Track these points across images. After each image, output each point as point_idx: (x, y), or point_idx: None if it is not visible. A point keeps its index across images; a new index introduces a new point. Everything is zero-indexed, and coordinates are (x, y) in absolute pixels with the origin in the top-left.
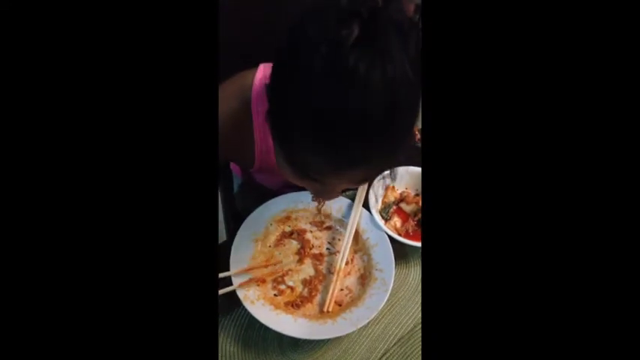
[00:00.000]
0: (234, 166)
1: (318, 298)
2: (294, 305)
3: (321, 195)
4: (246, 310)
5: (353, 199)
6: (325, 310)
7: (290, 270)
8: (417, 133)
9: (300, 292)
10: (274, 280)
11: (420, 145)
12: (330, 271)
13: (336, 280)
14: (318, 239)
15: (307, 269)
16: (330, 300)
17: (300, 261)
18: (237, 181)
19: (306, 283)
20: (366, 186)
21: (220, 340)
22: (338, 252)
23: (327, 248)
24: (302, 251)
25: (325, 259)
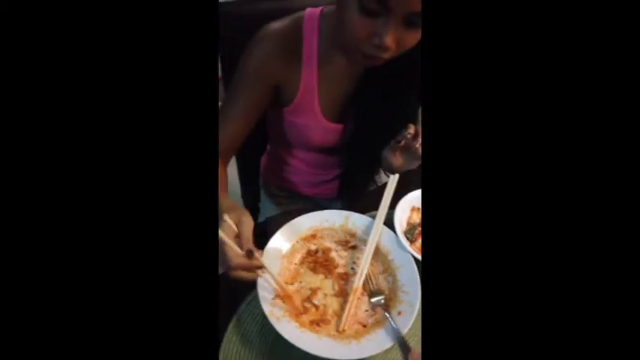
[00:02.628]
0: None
1: (342, 317)
2: (318, 324)
3: (381, 36)
4: (270, 326)
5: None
6: (340, 329)
7: (315, 288)
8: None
9: (324, 311)
10: (300, 298)
11: None
12: (355, 291)
13: (353, 300)
14: (342, 258)
15: (331, 289)
16: (346, 319)
17: (325, 280)
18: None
19: (330, 302)
20: (387, 204)
21: (245, 355)
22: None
23: (352, 267)
24: (326, 270)
25: (350, 278)
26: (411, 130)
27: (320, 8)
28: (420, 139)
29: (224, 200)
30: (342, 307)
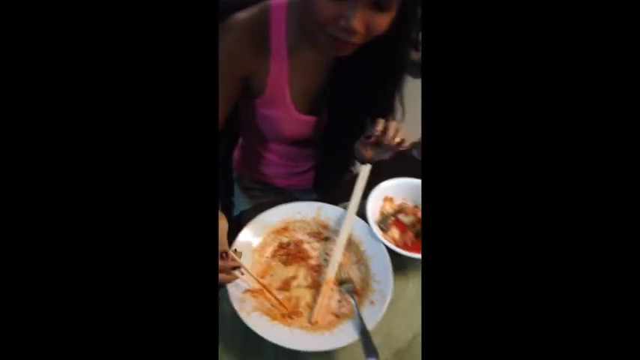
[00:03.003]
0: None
1: (315, 309)
2: (290, 316)
3: (348, 18)
4: (242, 321)
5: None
6: (313, 321)
7: (288, 281)
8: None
9: (297, 304)
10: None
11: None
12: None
13: (325, 291)
14: (315, 250)
15: (303, 280)
16: (318, 311)
17: (297, 272)
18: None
19: (302, 294)
20: (360, 194)
21: (218, 351)
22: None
23: (325, 259)
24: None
25: (323, 270)
26: (380, 126)
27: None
28: (391, 132)
29: None
30: (315, 299)
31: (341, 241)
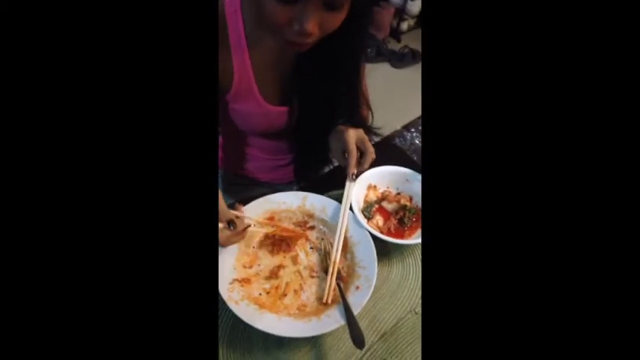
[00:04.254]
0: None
1: (302, 296)
2: (278, 303)
3: (301, 22)
4: (230, 310)
5: (337, 199)
6: (325, 301)
7: (274, 270)
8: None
9: (284, 291)
10: (259, 280)
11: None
12: (313, 270)
13: (333, 272)
14: (301, 238)
15: (290, 268)
16: (329, 291)
17: (284, 260)
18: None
19: (290, 282)
20: (354, 184)
21: None
22: (320, 250)
23: (311, 247)
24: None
25: (308, 257)
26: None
27: None
28: (368, 161)
29: None
30: (302, 286)
31: (342, 221)
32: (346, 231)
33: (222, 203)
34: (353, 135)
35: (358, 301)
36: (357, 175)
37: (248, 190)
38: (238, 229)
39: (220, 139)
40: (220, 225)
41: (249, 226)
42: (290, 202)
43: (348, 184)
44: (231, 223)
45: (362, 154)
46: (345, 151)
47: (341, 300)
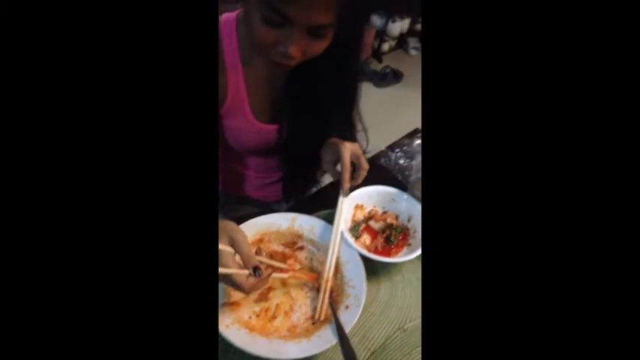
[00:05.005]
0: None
1: (292, 317)
2: (269, 326)
3: (286, 45)
4: (220, 334)
5: (325, 219)
6: (317, 317)
7: (264, 292)
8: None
9: (274, 313)
10: (250, 302)
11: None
12: (302, 290)
13: (326, 289)
14: (290, 259)
15: (280, 290)
16: (321, 308)
17: (273, 282)
18: None
19: (280, 304)
20: (345, 203)
21: None
22: (310, 269)
23: (300, 268)
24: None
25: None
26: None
27: (235, 12)
28: (362, 175)
29: None
30: (292, 307)
31: (334, 239)
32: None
33: (246, 249)
34: (348, 148)
35: (348, 320)
36: (350, 191)
37: (239, 208)
38: (264, 276)
39: None
40: (245, 272)
41: (272, 272)
42: (279, 223)
43: (340, 198)
44: (257, 270)
45: (355, 168)
46: (338, 163)
47: (332, 319)
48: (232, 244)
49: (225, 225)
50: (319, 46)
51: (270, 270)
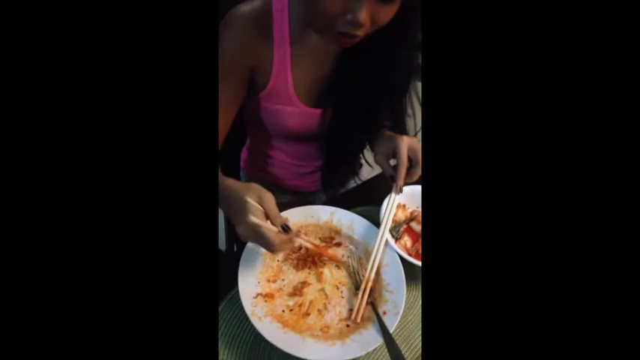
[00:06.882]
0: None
1: (326, 317)
2: (301, 322)
3: (355, 11)
4: (251, 325)
5: (364, 216)
6: (354, 318)
7: (298, 287)
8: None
9: (307, 310)
10: (283, 297)
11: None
12: (338, 288)
13: (366, 289)
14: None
15: (315, 286)
16: (359, 310)
17: (308, 277)
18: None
19: (314, 300)
20: (396, 201)
21: (223, 355)
22: (351, 267)
23: (336, 266)
24: (310, 266)
25: (334, 276)
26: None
27: None
28: (417, 174)
29: (227, 181)
30: (326, 306)
31: (380, 242)
32: (373, 251)
33: (274, 208)
34: (406, 142)
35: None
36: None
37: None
38: (292, 234)
39: (248, 139)
40: (274, 229)
41: (300, 231)
42: (317, 216)
43: (392, 195)
44: (285, 226)
45: (412, 164)
46: (392, 157)
47: (366, 323)
48: (260, 202)
49: (248, 184)
50: (387, 12)
51: (297, 231)
